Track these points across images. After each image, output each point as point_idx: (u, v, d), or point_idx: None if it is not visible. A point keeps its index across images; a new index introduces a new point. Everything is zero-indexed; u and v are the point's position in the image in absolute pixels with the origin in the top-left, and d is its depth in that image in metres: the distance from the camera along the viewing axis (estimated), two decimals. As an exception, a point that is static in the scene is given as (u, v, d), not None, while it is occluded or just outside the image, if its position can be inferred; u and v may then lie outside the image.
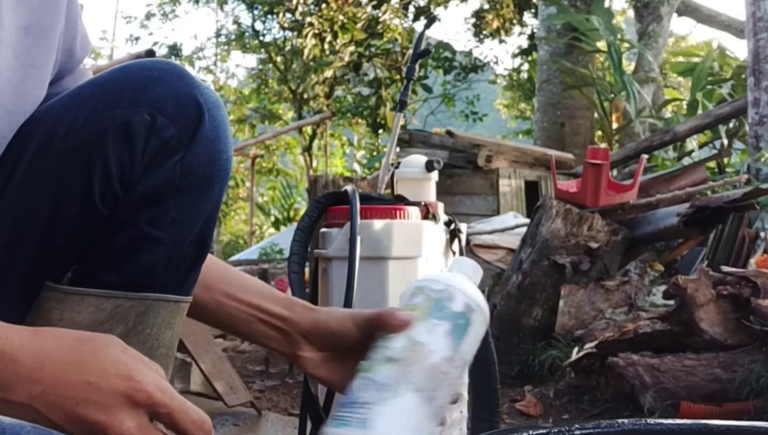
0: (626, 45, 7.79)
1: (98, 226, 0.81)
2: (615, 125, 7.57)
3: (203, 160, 0.81)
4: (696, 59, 7.23)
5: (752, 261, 2.89)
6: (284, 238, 7.54)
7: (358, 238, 1.41)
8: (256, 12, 12.44)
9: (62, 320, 0.82)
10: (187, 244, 0.84)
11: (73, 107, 0.81)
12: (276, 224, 11.65)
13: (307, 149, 12.02)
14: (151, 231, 0.82)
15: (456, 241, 1.66)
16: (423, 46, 1.91)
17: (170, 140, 0.79)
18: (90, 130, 0.79)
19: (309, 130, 11.88)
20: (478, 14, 12.24)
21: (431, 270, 1.58)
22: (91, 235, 0.82)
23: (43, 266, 0.83)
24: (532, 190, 5.72)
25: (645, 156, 3.87)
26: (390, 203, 1.61)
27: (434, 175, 1.84)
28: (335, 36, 11.18)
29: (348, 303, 1.34)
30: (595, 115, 7.95)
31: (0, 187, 0.81)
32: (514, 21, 12.07)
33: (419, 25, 11.49)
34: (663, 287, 3.02)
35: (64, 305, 0.82)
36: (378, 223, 1.55)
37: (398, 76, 11.21)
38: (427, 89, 11.39)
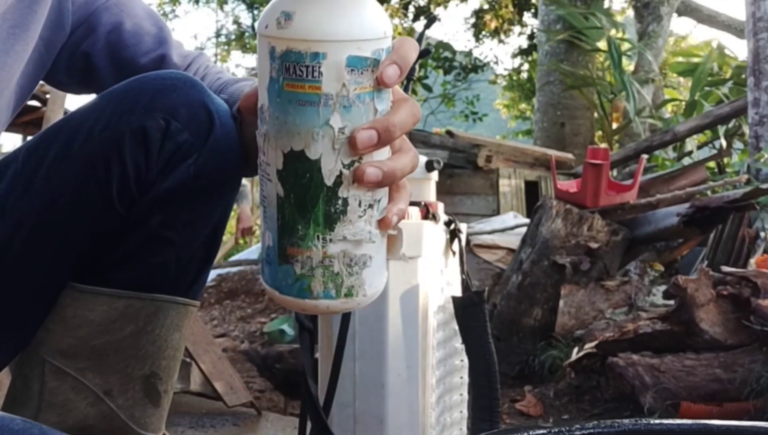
0: (627, 45, 7.79)
1: (116, 226, 0.83)
2: (615, 125, 7.57)
3: (215, 165, 0.83)
4: (696, 59, 7.23)
5: (752, 261, 2.89)
6: (284, 238, 7.49)
7: (358, 238, 1.41)
8: (256, 12, 12.44)
9: (75, 317, 0.84)
10: (197, 247, 0.86)
11: (91, 115, 0.83)
12: (276, 224, 11.65)
13: (307, 149, 12.00)
14: (163, 232, 0.83)
15: (456, 241, 1.66)
16: (423, 46, 1.91)
17: (183, 144, 0.81)
18: (108, 135, 0.81)
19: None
20: (478, 14, 12.24)
21: (431, 271, 1.58)
22: (109, 235, 0.84)
23: (63, 267, 0.85)
24: (532, 190, 5.72)
25: (645, 156, 3.87)
26: (390, 203, 1.60)
27: (434, 175, 1.84)
28: (335, 36, 11.16)
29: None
30: (595, 115, 7.95)
31: (20, 192, 0.84)
32: (514, 21, 12.07)
33: (419, 25, 11.49)
34: (663, 287, 3.02)
35: (78, 303, 0.84)
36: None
37: (398, 76, 11.18)
38: (428, 89, 11.40)
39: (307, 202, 0.63)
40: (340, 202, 0.63)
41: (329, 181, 0.63)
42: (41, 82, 0.99)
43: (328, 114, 0.61)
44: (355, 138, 0.62)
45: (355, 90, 0.61)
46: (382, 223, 0.67)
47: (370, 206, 0.65)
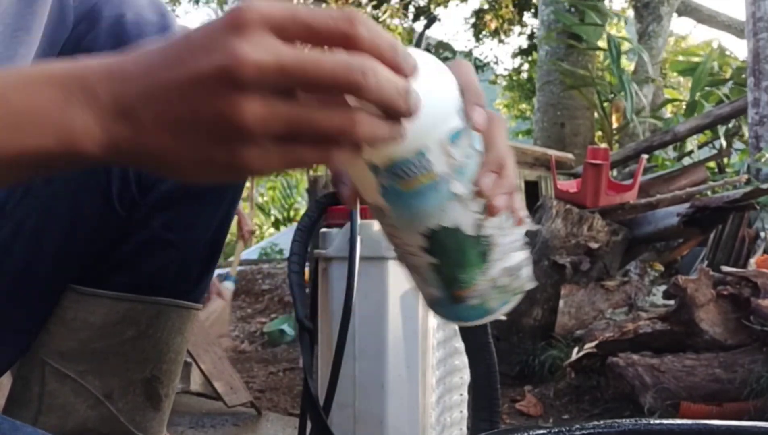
0: (626, 44, 7.78)
1: (116, 228, 0.83)
2: (615, 125, 7.57)
3: None
4: (696, 59, 7.22)
5: (752, 261, 2.89)
6: (284, 238, 7.53)
7: (359, 239, 1.41)
8: (256, 12, 12.42)
9: (76, 320, 0.84)
10: (199, 248, 0.86)
11: None
12: (276, 224, 11.65)
13: (307, 149, 11.97)
14: (165, 234, 0.83)
15: (456, 242, 1.66)
16: (423, 47, 1.91)
17: None
18: None
19: (309, 129, 11.85)
20: (478, 14, 12.24)
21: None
22: (110, 237, 0.84)
23: (64, 269, 0.84)
24: (532, 190, 5.71)
25: (645, 156, 3.87)
26: (390, 203, 1.60)
27: (434, 176, 1.84)
28: (335, 36, 11.14)
29: (348, 303, 1.34)
30: (595, 115, 7.95)
31: (21, 194, 0.83)
32: (514, 21, 12.07)
33: (419, 25, 11.49)
34: (663, 287, 3.02)
35: (79, 305, 0.84)
36: (378, 224, 1.54)
37: (398, 76, 11.18)
38: (428, 89, 11.36)
39: (461, 258, 0.67)
40: (485, 240, 0.67)
41: (473, 233, 0.66)
42: None
43: (448, 187, 0.62)
44: (482, 188, 0.63)
45: (461, 154, 0.62)
46: (518, 223, 0.70)
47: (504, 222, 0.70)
